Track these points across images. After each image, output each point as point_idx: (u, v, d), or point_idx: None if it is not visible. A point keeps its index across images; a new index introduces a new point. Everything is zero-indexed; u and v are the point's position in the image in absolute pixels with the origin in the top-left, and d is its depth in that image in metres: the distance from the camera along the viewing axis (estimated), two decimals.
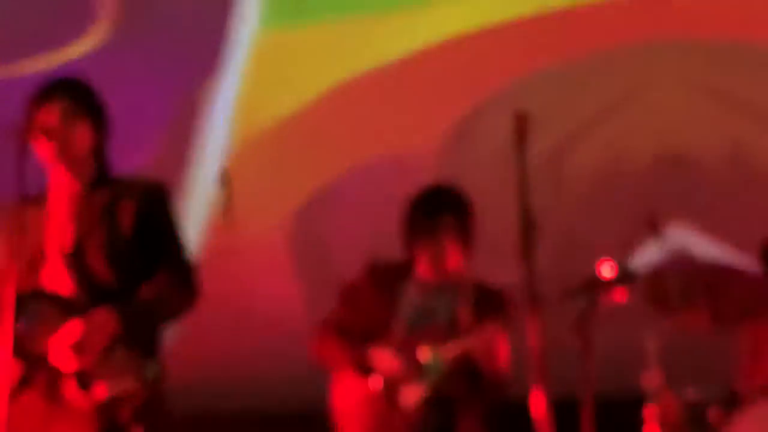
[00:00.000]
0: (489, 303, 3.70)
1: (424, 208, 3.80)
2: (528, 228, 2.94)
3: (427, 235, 3.71)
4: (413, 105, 6.44)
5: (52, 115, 3.30)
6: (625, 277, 3.51)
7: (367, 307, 3.76)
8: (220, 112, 6.55)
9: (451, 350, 3.55)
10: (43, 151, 3.30)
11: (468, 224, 3.77)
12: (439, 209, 3.77)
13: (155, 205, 3.33)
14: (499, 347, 3.42)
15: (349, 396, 3.69)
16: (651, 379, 4.66)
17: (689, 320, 4.78)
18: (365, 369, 3.66)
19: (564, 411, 4.81)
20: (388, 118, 6.38)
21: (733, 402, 4.54)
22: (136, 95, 6.15)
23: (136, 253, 3.29)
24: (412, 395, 3.58)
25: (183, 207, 6.39)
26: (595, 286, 3.48)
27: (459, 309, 3.70)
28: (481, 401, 3.64)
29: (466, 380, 3.55)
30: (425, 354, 3.58)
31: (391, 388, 3.59)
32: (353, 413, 3.64)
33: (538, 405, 2.67)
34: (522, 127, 3.09)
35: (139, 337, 3.21)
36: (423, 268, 3.76)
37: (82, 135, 3.32)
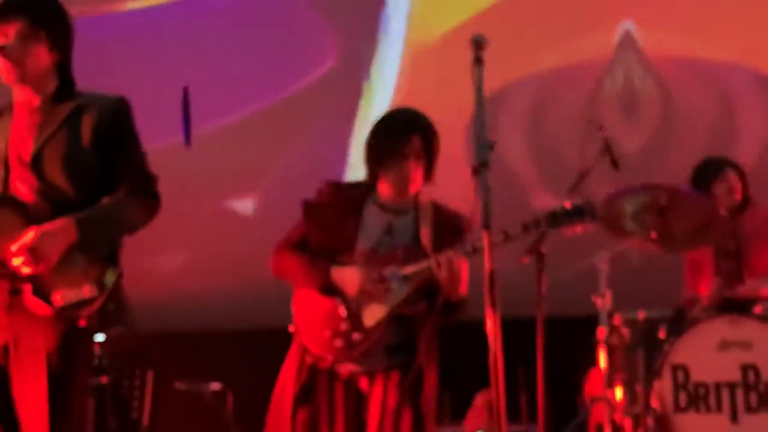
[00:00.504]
0: (448, 226, 3.71)
1: (392, 129, 3.78)
2: (482, 151, 2.96)
3: (393, 156, 3.70)
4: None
5: (7, 35, 3.28)
6: (580, 211, 3.57)
7: (331, 225, 3.76)
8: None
9: (413, 270, 3.58)
10: (1, 69, 3.30)
11: (433, 146, 3.76)
12: (406, 130, 3.75)
13: (116, 118, 3.30)
14: (461, 268, 3.47)
15: (310, 312, 3.72)
16: (602, 301, 4.79)
17: (641, 243, 4.91)
18: (327, 286, 3.69)
19: (520, 330, 4.99)
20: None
21: (680, 321, 4.68)
22: None
23: (95, 164, 3.27)
24: (373, 313, 3.62)
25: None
26: (553, 219, 3.53)
27: (421, 230, 3.73)
28: (441, 321, 3.68)
29: (427, 300, 3.59)
30: (387, 273, 3.60)
31: (353, 306, 3.63)
32: (314, 329, 3.66)
33: (492, 325, 2.77)
34: (479, 53, 3.12)
35: (97, 245, 3.21)
36: (385, 189, 3.76)
37: (39, 54, 3.30)
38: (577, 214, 3.52)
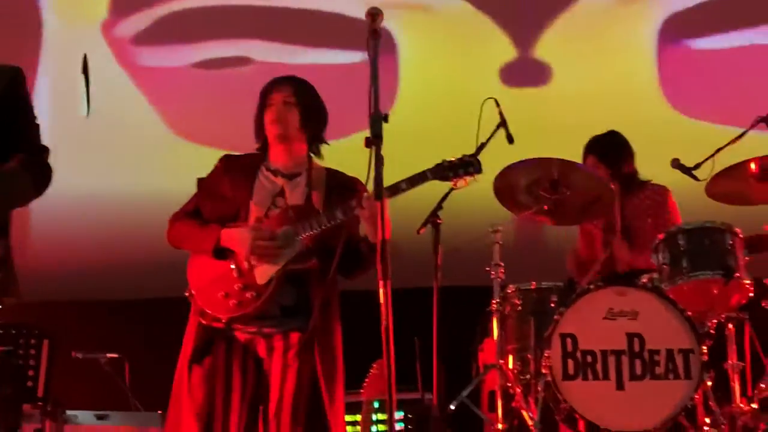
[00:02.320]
0: (341, 186, 3.75)
1: (266, 86, 3.86)
2: (376, 123, 3.00)
3: (269, 105, 3.77)
4: None
5: None
6: (465, 163, 3.63)
7: (223, 194, 3.79)
8: None
9: (305, 229, 3.62)
10: None
11: (314, 106, 3.80)
12: (279, 81, 3.83)
13: (11, 87, 3.27)
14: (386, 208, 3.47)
15: (203, 275, 3.74)
16: (496, 272, 4.89)
17: (536, 216, 5.02)
18: (218, 248, 3.71)
19: (416, 300, 5.08)
20: None
21: (570, 291, 4.80)
22: None
23: None
24: (265, 272, 3.66)
25: None
26: (438, 171, 3.58)
27: (313, 192, 3.77)
28: (363, 266, 3.69)
29: (320, 258, 3.62)
30: (279, 232, 3.64)
31: (245, 265, 3.66)
32: (208, 291, 3.68)
33: (384, 294, 2.83)
34: (374, 25, 3.15)
35: None
36: (276, 155, 3.81)
37: None
38: (462, 166, 3.60)
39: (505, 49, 6.97)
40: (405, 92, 6.94)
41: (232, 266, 3.65)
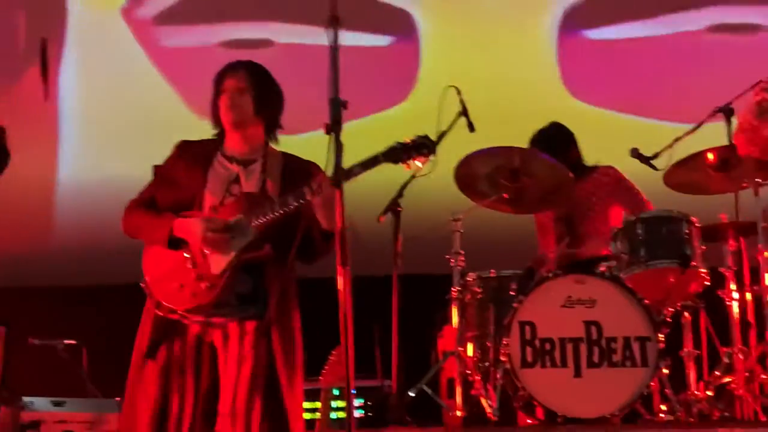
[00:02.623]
0: (298, 171, 3.72)
1: (220, 72, 3.84)
2: (336, 109, 3.00)
3: (223, 92, 3.74)
4: None
5: None
6: (419, 145, 3.60)
7: (179, 181, 3.76)
8: None
9: (258, 217, 3.60)
10: None
11: (268, 91, 3.78)
12: (233, 67, 3.81)
13: None
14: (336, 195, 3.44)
15: (158, 266, 3.72)
16: (456, 259, 4.91)
17: (495, 204, 5.04)
18: (171, 238, 3.69)
19: (376, 287, 5.09)
20: None
21: (529, 280, 4.83)
22: None
23: None
24: (219, 261, 3.64)
25: None
26: (392, 153, 3.54)
27: (267, 179, 3.75)
28: (317, 251, 3.67)
29: (276, 245, 3.60)
30: (232, 221, 3.61)
31: (199, 255, 3.64)
32: (163, 282, 3.66)
33: (342, 281, 2.83)
34: (335, 10, 3.14)
35: None
36: (232, 142, 3.78)
37: None
38: (416, 148, 3.52)
39: None
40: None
41: (186, 256, 3.62)
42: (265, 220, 3.58)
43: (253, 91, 3.76)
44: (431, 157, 3.56)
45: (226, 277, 3.57)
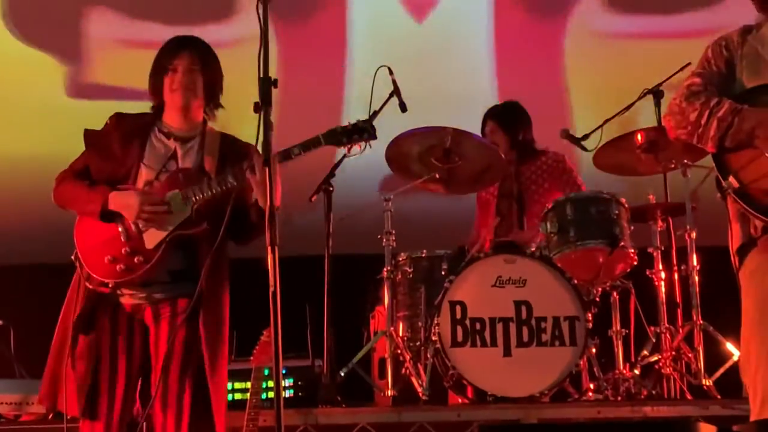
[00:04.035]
0: (235, 152, 3.69)
1: (169, 47, 3.79)
2: (265, 88, 2.97)
3: (172, 70, 3.70)
4: None
5: None
6: (359, 129, 3.60)
7: (114, 154, 3.71)
8: None
9: (195, 194, 3.57)
10: None
11: (217, 72, 3.74)
12: (183, 45, 3.76)
13: None
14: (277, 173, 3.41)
15: (90, 239, 3.66)
16: (387, 239, 4.90)
17: (427, 184, 5.05)
18: (106, 211, 3.64)
19: (308, 267, 5.08)
20: None
21: (460, 259, 4.84)
22: None
23: None
24: (153, 236, 3.60)
25: None
26: (332, 136, 3.55)
27: (205, 156, 3.71)
28: (252, 232, 3.63)
29: (212, 223, 3.56)
30: (168, 197, 3.58)
31: (133, 229, 3.60)
32: (95, 254, 3.61)
33: (271, 261, 2.81)
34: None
35: None
36: (171, 117, 3.74)
37: None
38: (357, 132, 3.56)
39: None
40: None
41: (120, 230, 3.58)
42: (203, 196, 3.56)
43: (204, 73, 3.73)
44: (372, 142, 3.59)
45: (161, 252, 3.55)
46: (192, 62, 3.71)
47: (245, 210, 3.62)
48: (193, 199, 3.57)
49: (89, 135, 3.78)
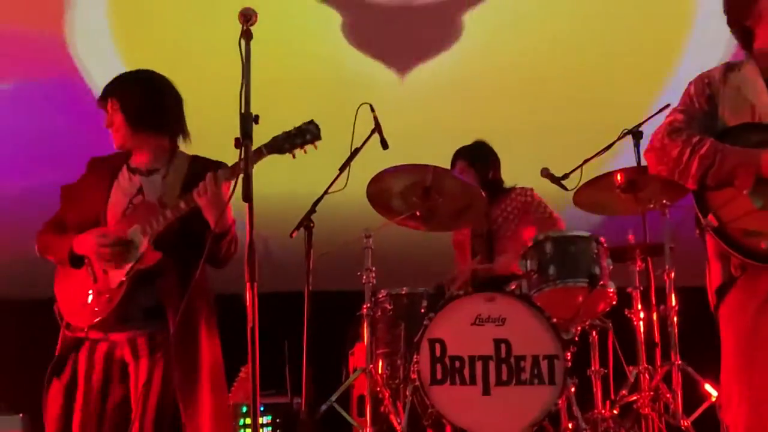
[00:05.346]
0: (204, 171, 3.65)
1: (98, 99, 3.80)
2: (246, 123, 2.96)
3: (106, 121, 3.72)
4: None
5: None
6: (302, 132, 3.56)
7: (84, 199, 3.72)
8: None
9: (153, 226, 3.55)
10: None
11: (145, 105, 3.70)
12: (106, 91, 3.75)
13: None
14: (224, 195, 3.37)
15: (66, 286, 3.66)
16: (367, 276, 4.90)
17: (408, 222, 5.06)
18: (72, 256, 3.64)
19: (288, 303, 5.06)
20: None
21: (440, 297, 4.84)
22: None
23: None
24: (116, 276, 3.59)
25: None
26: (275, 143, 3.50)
27: (168, 186, 3.69)
28: (208, 258, 3.60)
29: (172, 253, 3.54)
30: (131, 233, 3.58)
31: (99, 270, 3.59)
32: (69, 300, 3.60)
33: (250, 297, 2.79)
34: (247, 25, 3.11)
35: None
36: (136, 155, 3.74)
37: None
38: (300, 135, 3.50)
39: None
40: None
41: (88, 272, 3.59)
42: (157, 227, 3.55)
43: (125, 114, 3.71)
44: (317, 143, 3.52)
45: (124, 289, 3.53)
46: (112, 106, 3.71)
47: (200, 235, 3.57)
48: (151, 231, 3.56)
49: (64, 189, 3.83)
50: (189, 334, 3.57)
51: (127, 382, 3.58)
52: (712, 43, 5.91)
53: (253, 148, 3.05)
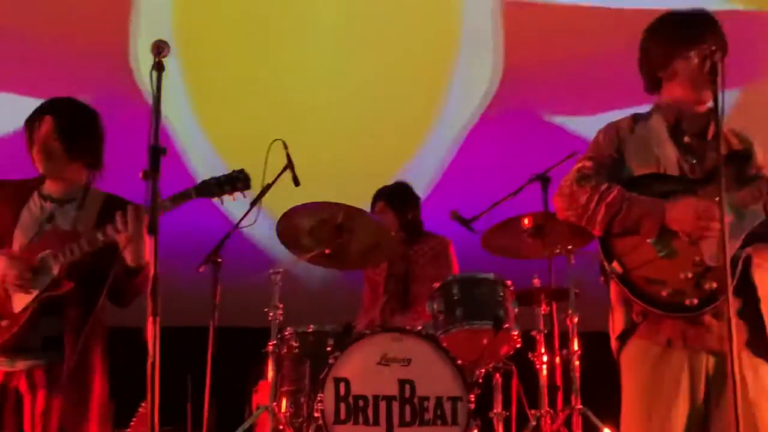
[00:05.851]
0: (116, 209, 3.60)
1: (30, 117, 3.74)
2: (154, 156, 2.93)
3: (34, 141, 3.64)
4: None
5: None
6: (231, 179, 3.55)
7: None
8: None
9: (65, 255, 3.49)
10: None
11: (80, 134, 3.66)
12: (42, 112, 3.70)
13: None
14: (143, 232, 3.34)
15: None
16: (274, 313, 4.87)
17: (317, 259, 5.04)
18: None
19: (192, 339, 5.00)
20: None
21: (347, 336, 4.83)
22: None
23: None
24: (21, 301, 3.52)
25: None
26: (204, 188, 3.49)
27: (82, 217, 3.65)
28: (123, 293, 3.55)
29: (83, 284, 3.49)
30: (40, 259, 3.51)
31: (2, 294, 3.52)
32: None
33: (151, 331, 2.75)
34: (159, 57, 3.08)
35: None
36: (50, 183, 3.69)
37: None
38: (230, 182, 3.49)
39: None
40: None
41: None
42: (71, 256, 3.49)
43: (62, 139, 3.66)
44: (245, 192, 3.53)
45: (27, 315, 3.46)
46: (47, 130, 3.66)
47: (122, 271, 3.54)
48: (63, 260, 3.50)
49: None
50: (84, 367, 3.51)
51: (21, 414, 3.48)
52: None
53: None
